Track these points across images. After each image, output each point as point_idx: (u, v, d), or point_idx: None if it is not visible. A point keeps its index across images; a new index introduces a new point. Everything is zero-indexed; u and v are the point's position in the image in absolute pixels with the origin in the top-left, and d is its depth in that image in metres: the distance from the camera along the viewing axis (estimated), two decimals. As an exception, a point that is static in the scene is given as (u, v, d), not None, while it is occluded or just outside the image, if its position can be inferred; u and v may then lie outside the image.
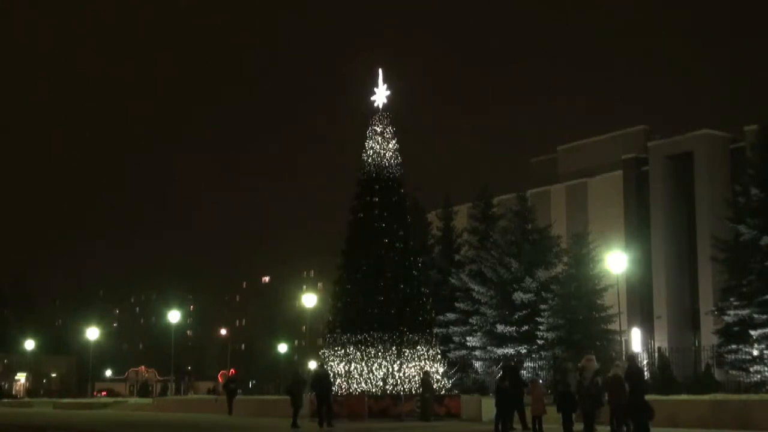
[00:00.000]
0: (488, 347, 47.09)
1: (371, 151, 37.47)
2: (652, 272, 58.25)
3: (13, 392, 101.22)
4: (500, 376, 27.47)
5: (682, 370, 42.80)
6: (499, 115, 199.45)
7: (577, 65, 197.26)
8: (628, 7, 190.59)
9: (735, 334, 40.64)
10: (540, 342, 45.05)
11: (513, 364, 30.47)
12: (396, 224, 36.92)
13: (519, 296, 46.38)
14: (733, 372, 40.69)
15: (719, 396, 30.06)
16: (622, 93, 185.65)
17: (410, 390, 34.52)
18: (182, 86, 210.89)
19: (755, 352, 39.76)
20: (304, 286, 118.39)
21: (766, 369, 39.14)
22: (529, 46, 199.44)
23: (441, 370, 36.72)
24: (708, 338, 47.89)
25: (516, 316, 46.37)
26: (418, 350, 35.67)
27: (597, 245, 46.92)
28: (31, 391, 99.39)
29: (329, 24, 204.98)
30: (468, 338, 48.50)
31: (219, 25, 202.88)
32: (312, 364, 63.05)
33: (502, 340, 46.45)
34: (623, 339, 49.07)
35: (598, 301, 45.23)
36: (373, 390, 34.55)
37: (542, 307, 45.41)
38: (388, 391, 34.48)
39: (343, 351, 35.76)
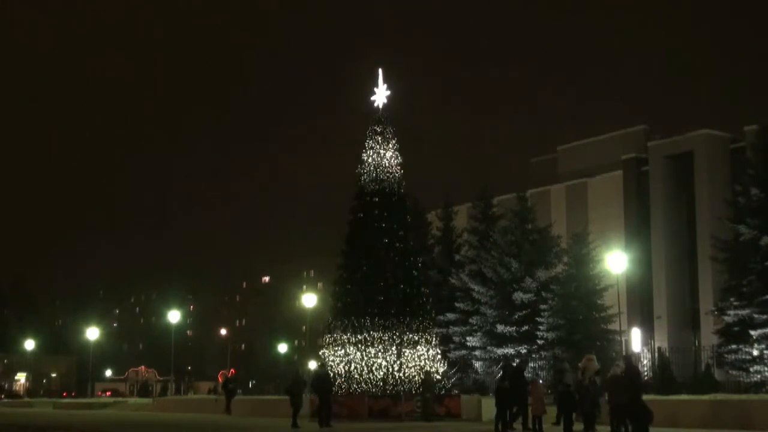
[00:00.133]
0: (488, 347, 47.09)
1: (371, 151, 37.49)
2: (652, 272, 58.23)
3: (14, 390, 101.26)
4: (500, 376, 27.50)
5: (682, 370, 42.79)
6: (499, 115, 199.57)
7: (577, 65, 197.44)
8: (628, 7, 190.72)
9: (735, 334, 40.64)
10: (540, 342, 45.04)
11: (518, 363, 30.51)
12: (396, 224, 36.94)
13: (519, 296, 46.38)
14: (733, 372, 40.66)
15: (719, 396, 30.08)
16: (622, 93, 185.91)
17: (411, 390, 34.53)
18: (182, 86, 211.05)
19: (755, 352, 39.76)
20: (304, 286, 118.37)
21: (766, 369, 39.14)
22: (529, 46, 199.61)
23: (441, 370, 36.74)
24: (708, 338, 47.89)
25: (516, 316, 46.37)
26: (418, 350, 35.69)
27: (597, 245, 46.91)
28: (31, 391, 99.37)
29: (329, 24, 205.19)
30: (468, 338, 48.49)
31: (219, 25, 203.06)
32: (312, 364, 63.03)
33: (502, 340, 46.44)
34: (623, 339, 49.04)
35: (598, 301, 45.22)
36: (373, 390, 34.56)
37: (542, 307, 45.40)
38: (388, 392, 34.49)
39: (343, 351, 35.77)
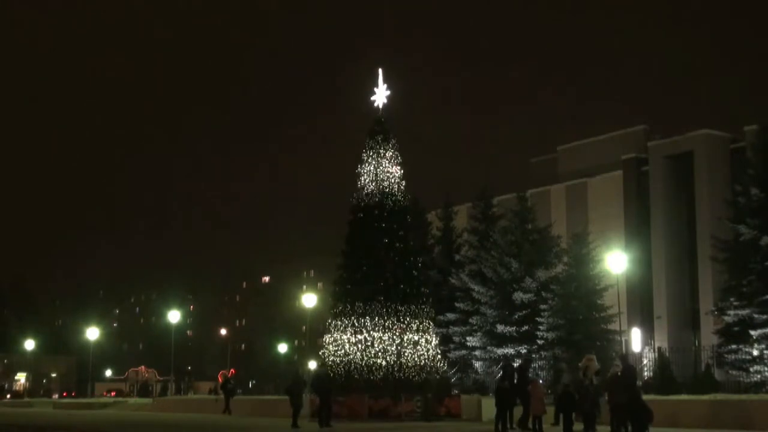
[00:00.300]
0: (488, 347, 47.09)
1: (371, 151, 37.48)
2: (652, 272, 58.24)
3: (15, 389, 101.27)
4: (500, 376, 27.49)
5: (682, 370, 42.83)
6: (499, 115, 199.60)
7: (577, 65, 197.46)
8: (628, 7, 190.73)
9: (735, 334, 40.64)
10: (540, 342, 45.05)
11: (521, 363, 30.54)
12: (396, 224, 36.93)
13: (519, 296, 46.38)
14: (733, 372, 40.68)
15: (719, 396, 30.09)
16: (622, 93, 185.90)
17: (411, 390, 34.51)
18: (182, 86, 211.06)
19: (755, 352, 39.77)
20: (304, 286, 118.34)
21: (766, 369, 39.15)
22: (529, 46, 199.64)
23: (441, 370, 36.73)
24: (708, 338, 47.90)
25: (516, 316, 46.36)
26: (418, 350, 35.69)
27: (597, 245, 46.92)
28: (31, 391, 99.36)
29: (329, 24, 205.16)
30: (468, 338, 48.49)
31: (219, 25, 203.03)
32: (312, 364, 63.04)
33: (502, 340, 46.44)
34: (623, 339, 49.06)
35: (598, 301, 45.23)
36: (374, 390, 34.54)
37: (542, 307, 45.41)
38: (388, 391, 34.47)
39: (343, 351, 35.76)
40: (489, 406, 30.63)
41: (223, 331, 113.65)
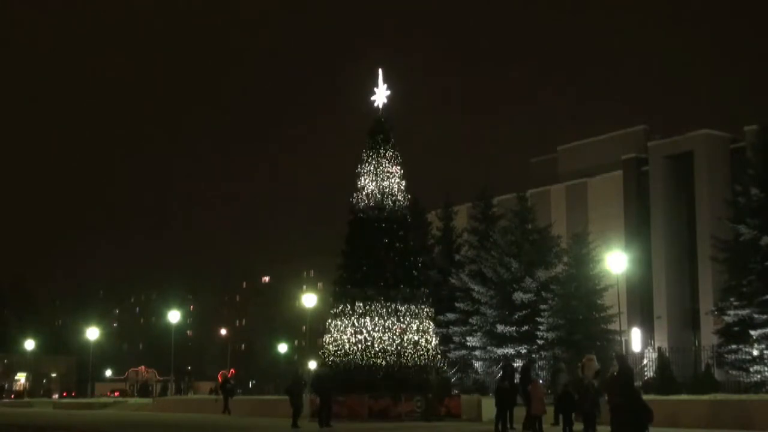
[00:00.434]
0: (488, 347, 47.11)
1: (371, 151, 37.48)
2: (652, 272, 58.24)
3: (15, 389, 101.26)
4: (500, 376, 27.50)
5: (682, 370, 42.84)
6: (499, 115, 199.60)
7: (577, 65, 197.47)
8: (628, 7, 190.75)
9: (735, 334, 40.65)
10: (540, 342, 45.06)
11: (524, 363, 30.56)
12: (396, 224, 36.93)
13: (519, 296, 46.39)
14: (733, 372, 40.69)
15: (719, 396, 30.10)
16: (622, 93, 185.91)
17: (411, 390, 34.51)
18: (182, 86, 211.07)
19: (755, 352, 39.78)
20: (304, 286, 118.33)
21: (766, 369, 39.16)
22: (529, 46, 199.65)
23: (441, 369, 36.74)
24: (708, 338, 47.91)
25: (516, 316, 46.38)
26: (418, 350, 35.68)
27: (597, 245, 46.93)
28: (31, 391, 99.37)
29: (329, 24, 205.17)
30: (468, 338, 48.50)
31: (219, 25, 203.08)
32: (312, 364, 63.02)
33: (502, 340, 46.46)
34: (623, 339, 49.08)
35: (598, 301, 45.25)
36: (374, 390, 34.54)
37: (542, 307, 45.42)
38: (388, 391, 34.47)
39: (342, 351, 35.76)
40: (489, 406, 30.63)
41: (223, 331, 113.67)
